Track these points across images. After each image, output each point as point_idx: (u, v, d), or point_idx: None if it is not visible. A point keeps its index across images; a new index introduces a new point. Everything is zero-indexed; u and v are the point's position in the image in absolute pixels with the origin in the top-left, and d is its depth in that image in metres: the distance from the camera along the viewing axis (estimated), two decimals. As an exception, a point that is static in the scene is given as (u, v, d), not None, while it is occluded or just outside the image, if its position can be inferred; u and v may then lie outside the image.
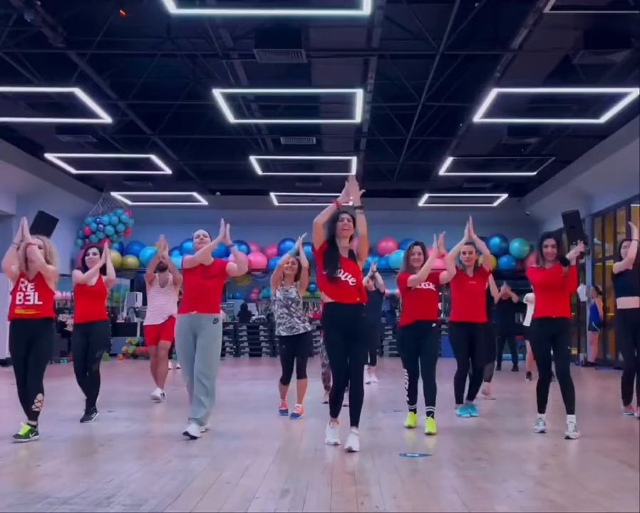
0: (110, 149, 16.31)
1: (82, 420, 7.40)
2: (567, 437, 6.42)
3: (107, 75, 12.44)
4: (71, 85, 11.55)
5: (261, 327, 20.98)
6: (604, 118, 12.69)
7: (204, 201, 20.62)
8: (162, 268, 9.56)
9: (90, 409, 7.57)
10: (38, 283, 6.55)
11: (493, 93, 11.49)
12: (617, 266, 8.11)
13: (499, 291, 10.39)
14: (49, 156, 16.39)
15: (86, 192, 20.05)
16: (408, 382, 7.20)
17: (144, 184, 18.86)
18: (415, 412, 7.16)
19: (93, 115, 12.87)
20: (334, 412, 6.03)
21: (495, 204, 20.60)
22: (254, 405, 8.91)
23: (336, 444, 5.89)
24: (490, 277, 8.56)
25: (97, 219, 19.38)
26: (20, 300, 6.52)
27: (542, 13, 9.06)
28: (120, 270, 19.37)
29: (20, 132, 15.84)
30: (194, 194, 20.07)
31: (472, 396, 8.05)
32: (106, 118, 13.08)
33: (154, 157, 16.17)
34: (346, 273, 5.90)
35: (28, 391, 6.43)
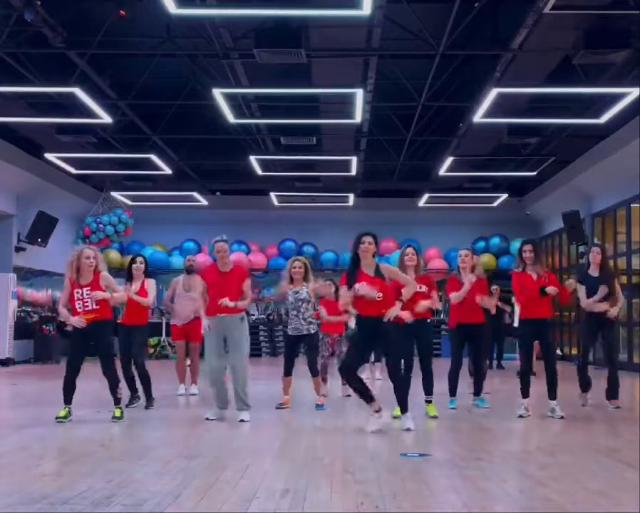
0: (110, 149, 16.29)
1: (146, 407, 8.44)
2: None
3: (107, 75, 12.43)
4: (71, 85, 11.54)
5: (261, 327, 20.99)
6: (604, 118, 12.68)
7: (204, 201, 20.62)
8: (189, 271, 9.99)
9: (149, 400, 8.55)
10: (93, 288, 7.20)
11: (493, 93, 11.49)
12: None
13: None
14: (49, 156, 16.38)
15: (86, 192, 20.04)
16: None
17: (144, 184, 18.85)
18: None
19: (93, 115, 12.87)
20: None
21: (495, 204, 20.60)
22: (254, 404, 8.87)
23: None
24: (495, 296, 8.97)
25: (97, 219, 19.37)
26: (80, 307, 7.20)
27: (542, 13, 9.05)
28: (120, 270, 19.40)
29: (20, 132, 15.84)
30: (194, 194, 20.07)
31: (478, 392, 8.65)
32: (106, 118, 13.06)
33: (154, 157, 16.16)
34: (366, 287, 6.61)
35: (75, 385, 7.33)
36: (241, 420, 7.29)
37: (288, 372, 8.55)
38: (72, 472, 5.01)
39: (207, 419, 7.42)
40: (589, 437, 6.73)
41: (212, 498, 4.26)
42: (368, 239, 6.79)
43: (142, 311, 8.63)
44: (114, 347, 7.76)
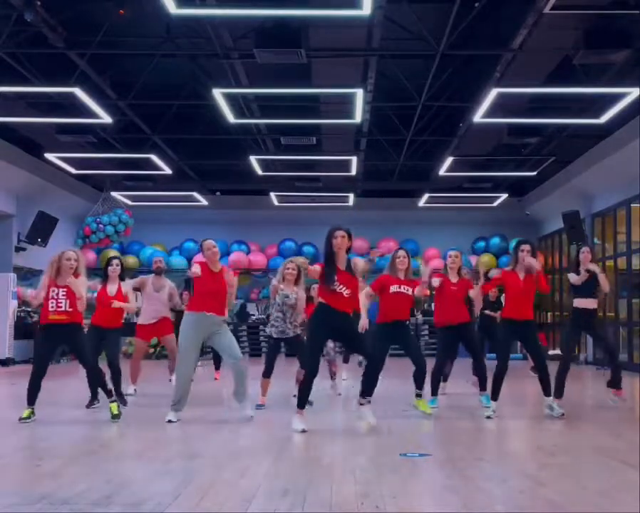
0: (110, 149, 16.30)
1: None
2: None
3: (108, 75, 12.43)
4: (71, 85, 11.54)
5: (261, 327, 20.97)
6: (604, 118, 12.68)
7: (204, 201, 20.62)
8: (158, 272, 9.99)
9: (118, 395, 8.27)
10: (69, 290, 7.11)
11: (493, 93, 11.50)
12: (575, 280, 8.42)
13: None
14: (49, 156, 16.38)
15: (86, 192, 20.05)
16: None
17: (144, 184, 18.86)
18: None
19: (93, 115, 12.87)
20: (303, 405, 6.76)
21: (495, 204, 20.61)
22: (254, 404, 8.90)
23: (303, 431, 6.53)
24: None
25: (97, 219, 19.38)
26: (52, 306, 7.12)
27: (542, 13, 9.07)
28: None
29: (20, 132, 15.84)
30: (194, 194, 20.07)
31: (483, 387, 8.48)
32: (106, 118, 13.07)
33: (154, 157, 16.17)
34: (341, 285, 6.61)
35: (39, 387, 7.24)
36: (251, 417, 7.42)
37: (268, 374, 8.54)
38: (72, 472, 5.01)
39: (170, 421, 7.19)
40: (589, 437, 6.73)
41: (212, 498, 4.26)
42: (340, 233, 6.67)
43: (117, 314, 8.58)
44: (88, 345, 7.53)
